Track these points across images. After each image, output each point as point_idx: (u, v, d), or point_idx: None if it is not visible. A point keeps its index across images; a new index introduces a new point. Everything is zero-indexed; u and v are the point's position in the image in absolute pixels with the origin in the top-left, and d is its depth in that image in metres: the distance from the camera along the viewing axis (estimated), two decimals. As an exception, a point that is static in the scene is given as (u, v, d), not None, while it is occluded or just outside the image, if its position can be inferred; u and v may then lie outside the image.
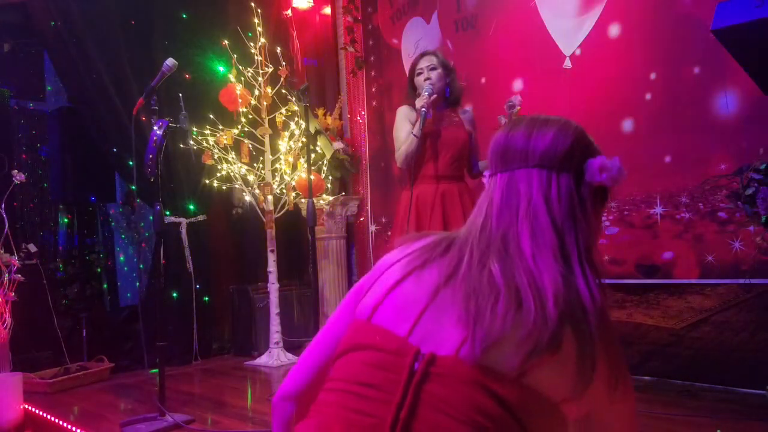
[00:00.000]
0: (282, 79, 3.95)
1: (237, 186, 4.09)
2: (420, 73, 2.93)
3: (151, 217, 3.95)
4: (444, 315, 0.83)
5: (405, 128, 2.89)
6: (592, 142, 0.96)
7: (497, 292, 0.81)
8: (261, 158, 4.04)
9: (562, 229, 0.87)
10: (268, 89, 4.00)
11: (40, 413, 2.97)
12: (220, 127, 3.96)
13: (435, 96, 2.85)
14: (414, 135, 2.78)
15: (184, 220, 4.25)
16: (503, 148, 0.94)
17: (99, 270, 5.18)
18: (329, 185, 4.40)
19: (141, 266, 5.21)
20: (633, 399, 0.91)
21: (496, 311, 0.79)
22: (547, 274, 0.82)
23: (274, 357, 3.95)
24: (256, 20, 4.01)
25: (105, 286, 5.25)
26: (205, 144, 3.92)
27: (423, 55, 3.00)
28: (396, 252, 0.96)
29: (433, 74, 2.91)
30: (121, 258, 5.48)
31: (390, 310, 0.86)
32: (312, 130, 3.09)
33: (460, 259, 0.88)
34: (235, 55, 3.93)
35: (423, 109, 2.76)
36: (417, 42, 4.21)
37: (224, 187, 4.15)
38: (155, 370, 2.94)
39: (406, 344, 0.81)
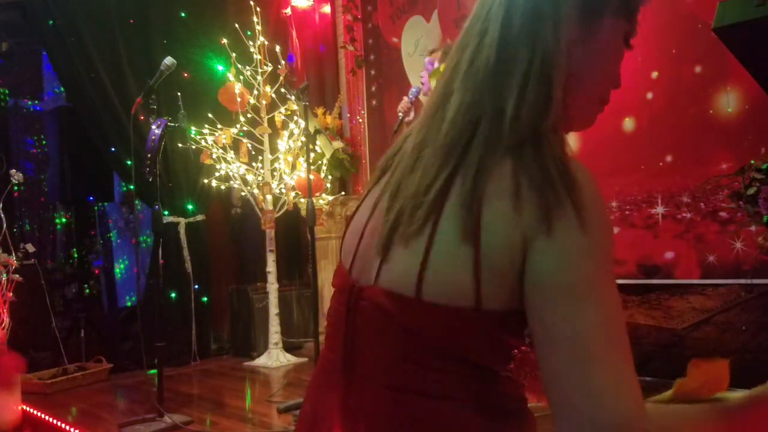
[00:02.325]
0: (281, 78, 3.93)
1: (236, 186, 4.08)
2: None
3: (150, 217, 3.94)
4: (373, 240, 0.74)
5: None
6: None
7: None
8: (260, 158, 4.03)
9: (514, 48, 0.69)
10: (267, 88, 3.99)
11: (39, 414, 2.96)
12: (219, 126, 3.94)
13: (413, 99, 2.83)
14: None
15: (182, 220, 4.24)
16: None
17: (97, 270, 5.17)
18: (329, 185, 4.39)
19: (139, 266, 5.20)
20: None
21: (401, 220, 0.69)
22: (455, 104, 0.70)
23: (274, 358, 3.93)
24: (255, 19, 4.00)
25: (103, 286, 5.24)
26: (203, 143, 3.90)
27: (432, 52, 3.01)
28: None
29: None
30: (120, 258, 5.47)
31: (345, 245, 0.82)
32: (311, 129, 3.07)
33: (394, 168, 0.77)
34: (234, 54, 3.91)
35: (400, 114, 2.80)
36: (417, 41, 4.19)
37: (223, 187, 4.13)
38: (154, 371, 2.92)
39: (348, 280, 0.77)
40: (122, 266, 5.47)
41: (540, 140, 0.65)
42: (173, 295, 4.21)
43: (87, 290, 4.93)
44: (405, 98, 2.83)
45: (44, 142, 4.96)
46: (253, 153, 4.01)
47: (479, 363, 0.68)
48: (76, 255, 4.99)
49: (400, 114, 2.82)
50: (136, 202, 5.10)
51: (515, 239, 0.63)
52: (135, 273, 5.32)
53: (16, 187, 3.49)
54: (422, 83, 2.89)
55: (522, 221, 0.62)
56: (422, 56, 4.13)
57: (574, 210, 0.61)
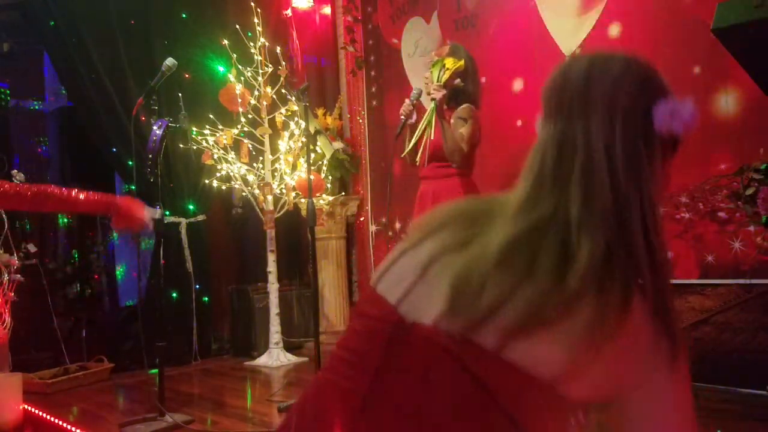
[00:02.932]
0: (282, 78, 3.94)
1: (237, 186, 4.09)
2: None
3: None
4: (439, 283, 0.75)
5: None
6: (663, 81, 0.81)
7: (504, 259, 0.72)
8: (261, 158, 4.04)
9: (625, 189, 0.74)
10: (268, 89, 4.00)
11: (40, 413, 2.96)
12: (220, 126, 3.96)
13: (415, 101, 2.82)
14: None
15: (183, 220, 4.25)
16: (559, 89, 0.81)
17: (98, 270, 5.18)
18: (329, 185, 4.40)
19: (140, 266, 5.21)
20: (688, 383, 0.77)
21: (494, 281, 0.71)
22: (587, 242, 0.71)
23: (274, 357, 3.94)
24: (255, 20, 4.01)
25: (104, 286, 5.25)
26: (204, 144, 3.91)
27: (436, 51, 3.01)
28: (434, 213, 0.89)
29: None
30: (121, 258, 5.48)
31: (391, 277, 0.82)
32: (312, 129, 3.08)
33: (489, 221, 0.79)
34: (235, 55, 3.92)
35: (402, 116, 2.80)
36: (417, 41, 4.20)
37: (224, 187, 4.14)
38: (155, 371, 2.93)
39: (392, 312, 0.77)
40: (123, 266, 5.48)
41: None
42: (174, 295, 4.22)
43: (88, 290, 4.93)
44: (407, 101, 2.83)
45: (45, 142, 4.97)
46: (254, 153, 4.02)
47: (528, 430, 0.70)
48: (77, 255, 5.00)
49: (403, 117, 2.81)
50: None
51: None
52: (136, 273, 5.33)
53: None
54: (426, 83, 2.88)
55: None
56: (422, 57, 4.15)
57: None
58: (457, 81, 2.83)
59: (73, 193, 2.29)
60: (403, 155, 2.94)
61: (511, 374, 0.69)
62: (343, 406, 0.75)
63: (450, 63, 2.80)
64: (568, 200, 0.75)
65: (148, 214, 2.36)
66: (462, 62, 2.82)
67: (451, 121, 2.85)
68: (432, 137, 2.81)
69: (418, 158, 2.87)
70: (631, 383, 0.72)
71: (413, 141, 2.86)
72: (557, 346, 0.68)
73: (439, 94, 2.74)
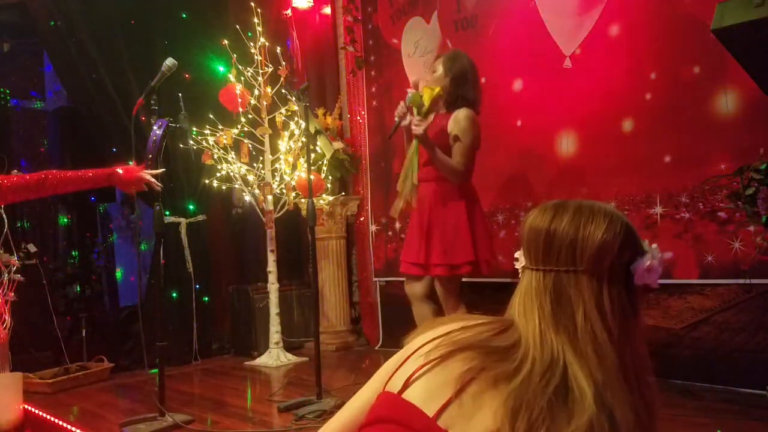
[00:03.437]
0: (282, 78, 3.94)
1: (237, 186, 4.09)
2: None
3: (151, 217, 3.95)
4: (482, 405, 0.81)
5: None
6: (638, 237, 0.91)
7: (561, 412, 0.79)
8: (261, 158, 4.04)
9: (620, 345, 0.84)
10: (268, 89, 4.00)
11: (40, 413, 2.97)
12: (220, 126, 3.96)
13: (409, 104, 2.82)
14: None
15: (183, 220, 4.25)
16: (547, 239, 0.90)
17: (98, 270, 5.18)
18: (329, 185, 4.40)
19: (140, 266, 5.21)
20: None
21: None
22: (619, 406, 0.80)
23: (274, 357, 3.95)
24: (255, 20, 4.01)
25: (104, 286, 5.25)
26: (204, 144, 3.91)
27: (438, 57, 3.02)
28: (441, 328, 0.94)
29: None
30: (121, 258, 5.48)
31: (422, 388, 0.85)
32: (312, 129, 3.08)
33: (521, 362, 0.85)
34: (235, 55, 3.93)
35: (396, 119, 2.81)
36: (417, 42, 4.21)
37: (224, 187, 4.14)
38: (155, 371, 2.93)
39: (433, 425, 0.80)
40: (123, 266, 5.48)
41: None
42: (174, 294, 4.23)
43: (88, 290, 4.93)
44: (402, 103, 2.83)
45: (45, 142, 4.97)
46: (254, 153, 4.02)
47: None
48: (77, 255, 5.00)
49: (397, 119, 2.82)
50: (137, 201, 5.13)
51: None
52: (136, 273, 5.33)
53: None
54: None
55: None
56: (422, 57, 4.15)
57: None
58: (439, 105, 2.88)
59: (72, 173, 2.56)
60: (393, 214, 3.05)
61: None
62: None
63: (427, 95, 2.81)
64: (582, 352, 0.84)
65: (146, 174, 2.66)
66: (439, 88, 2.83)
67: (449, 125, 2.86)
68: (416, 181, 2.84)
69: (398, 212, 2.95)
70: None
71: (401, 198, 2.88)
72: None
73: (420, 129, 2.74)
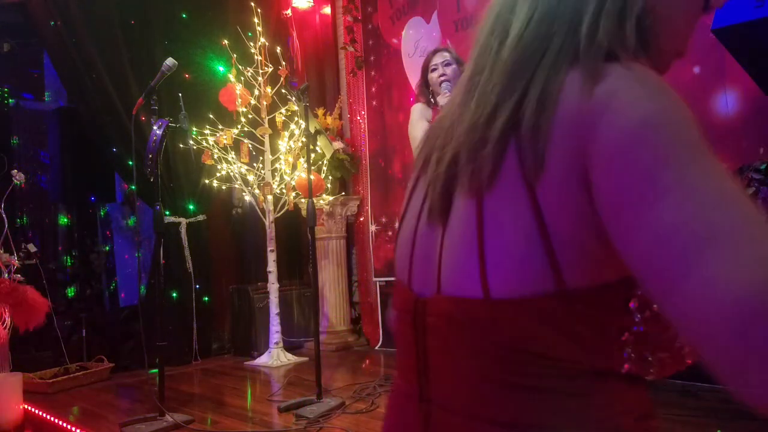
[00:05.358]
0: (282, 78, 3.95)
1: (237, 186, 4.09)
2: (434, 69, 2.83)
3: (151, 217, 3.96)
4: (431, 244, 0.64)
5: (422, 126, 2.84)
6: None
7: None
8: (261, 158, 4.04)
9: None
10: (268, 89, 4.00)
11: (40, 413, 2.97)
12: (220, 126, 3.96)
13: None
14: None
15: (183, 220, 4.25)
16: None
17: (99, 270, 5.18)
18: (329, 185, 4.40)
19: (140, 266, 5.22)
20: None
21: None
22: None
23: (274, 357, 3.95)
24: (255, 20, 4.01)
25: (105, 286, 5.25)
26: (204, 144, 3.92)
27: (436, 51, 2.97)
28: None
29: (449, 70, 2.83)
30: (121, 258, 5.48)
31: (399, 256, 0.70)
32: (312, 129, 3.08)
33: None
34: (235, 55, 3.93)
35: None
36: (417, 42, 4.21)
37: (224, 187, 4.15)
38: (155, 370, 2.93)
39: (409, 295, 0.64)
40: (123, 266, 5.48)
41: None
42: (174, 294, 4.23)
43: (88, 290, 4.94)
44: (446, 92, 2.74)
45: (46, 142, 4.97)
46: (254, 153, 4.02)
47: (580, 366, 0.54)
48: (77, 255, 5.00)
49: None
50: (137, 201, 5.13)
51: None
52: (136, 273, 5.33)
53: (17, 187, 3.49)
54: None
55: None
56: (422, 57, 4.15)
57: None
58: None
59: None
60: None
61: (516, 315, 0.55)
62: (406, 413, 0.65)
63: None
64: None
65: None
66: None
67: None
68: None
69: None
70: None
71: None
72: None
73: None
